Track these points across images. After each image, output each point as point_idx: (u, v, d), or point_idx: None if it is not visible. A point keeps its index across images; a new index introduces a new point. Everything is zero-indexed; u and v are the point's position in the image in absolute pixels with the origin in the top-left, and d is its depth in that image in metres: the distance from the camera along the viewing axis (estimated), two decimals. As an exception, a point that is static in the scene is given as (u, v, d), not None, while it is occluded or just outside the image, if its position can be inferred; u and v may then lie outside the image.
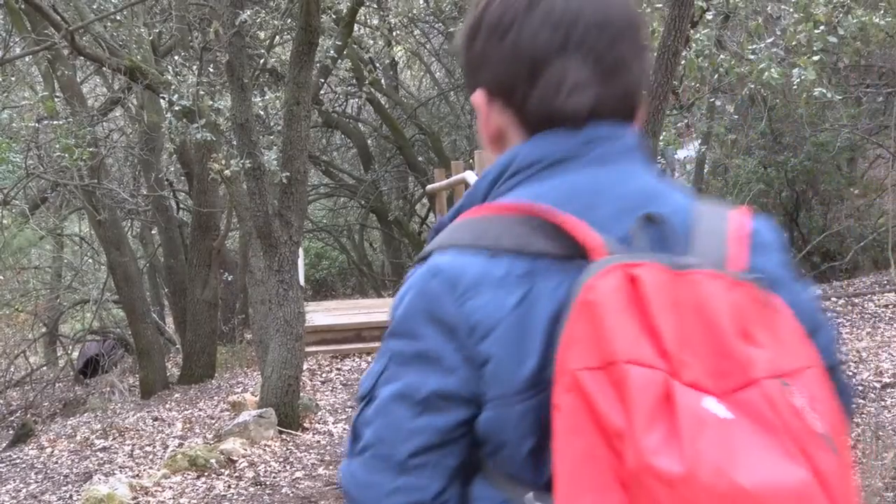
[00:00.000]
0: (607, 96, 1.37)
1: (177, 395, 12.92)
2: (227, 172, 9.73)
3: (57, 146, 12.33)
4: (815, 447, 1.17)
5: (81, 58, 12.68)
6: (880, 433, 5.97)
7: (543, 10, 1.35)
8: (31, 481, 9.06)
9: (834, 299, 11.79)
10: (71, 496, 8.25)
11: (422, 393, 1.30)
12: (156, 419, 11.04)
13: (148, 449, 9.57)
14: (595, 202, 1.34)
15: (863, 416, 6.70)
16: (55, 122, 12.50)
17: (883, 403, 6.94)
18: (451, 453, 1.32)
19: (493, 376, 1.28)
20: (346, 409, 9.81)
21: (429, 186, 15.13)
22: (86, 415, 12.79)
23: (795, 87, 9.30)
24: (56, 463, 9.60)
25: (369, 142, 20.38)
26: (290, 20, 11.69)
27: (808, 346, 1.27)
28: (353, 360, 12.19)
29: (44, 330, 18.76)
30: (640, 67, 1.42)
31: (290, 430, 8.99)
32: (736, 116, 12.54)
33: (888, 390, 7.27)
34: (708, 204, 1.40)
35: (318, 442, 8.84)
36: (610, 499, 1.16)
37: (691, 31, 8.99)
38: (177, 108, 10.34)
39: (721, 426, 1.15)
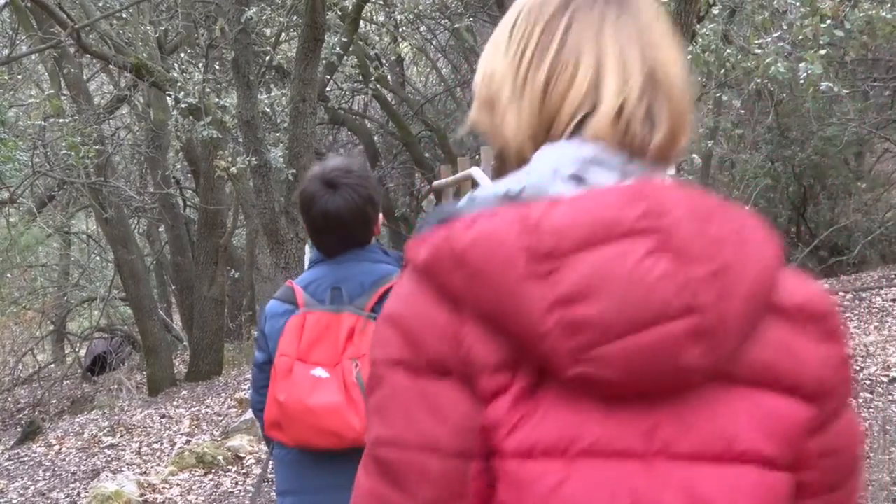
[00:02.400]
0: (345, 240, 3.05)
1: (184, 393, 12.95)
2: (233, 169, 9.74)
3: (63, 144, 12.36)
4: (354, 388, 2.83)
5: (87, 56, 12.71)
6: (888, 427, 5.95)
7: (317, 207, 3.03)
8: (39, 479, 9.08)
9: (841, 293, 11.77)
10: (79, 493, 8.27)
11: (258, 361, 3.11)
12: (163, 416, 11.06)
13: (155, 446, 9.59)
14: (322, 281, 3.03)
15: (870, 410, 6.68)
16: (61, 121, 12.52)
17: (890, 398, 6.93)
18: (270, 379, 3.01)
19: (274, 352, 2.97)
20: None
21: (435, 183, 15.11)
22: (93, 412, 12.82)
23: (802, 81, 9.26)
24: (64, 460, 9.62)
25: (375, 138, 20.38)
26: (295, 17, 11.70)
27: None
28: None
29: (51, 328, 18.81)
30: (362, 222, 3.08)
31: (297, 427, 9.00)
32: (742, 111, 12.52)
33: (896, 385, 7.26)
34: (389, 272, 3.05)
35: (326, 438, 8.84)
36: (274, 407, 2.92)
37: (697, 26, 8.97)
38: (183, 106, 10.35)
39: (315, 380, 2.86)
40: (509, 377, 1.20)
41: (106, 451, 9.70)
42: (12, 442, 11.42)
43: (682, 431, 1.19)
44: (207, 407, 11.28)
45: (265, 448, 8.95)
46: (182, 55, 14.21)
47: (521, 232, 1.18)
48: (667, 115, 1.30)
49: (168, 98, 12.41)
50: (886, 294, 11.37)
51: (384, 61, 17.48)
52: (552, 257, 1.16)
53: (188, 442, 9.41)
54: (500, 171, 1.36)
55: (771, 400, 1.21)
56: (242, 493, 7.48)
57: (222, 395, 11.92)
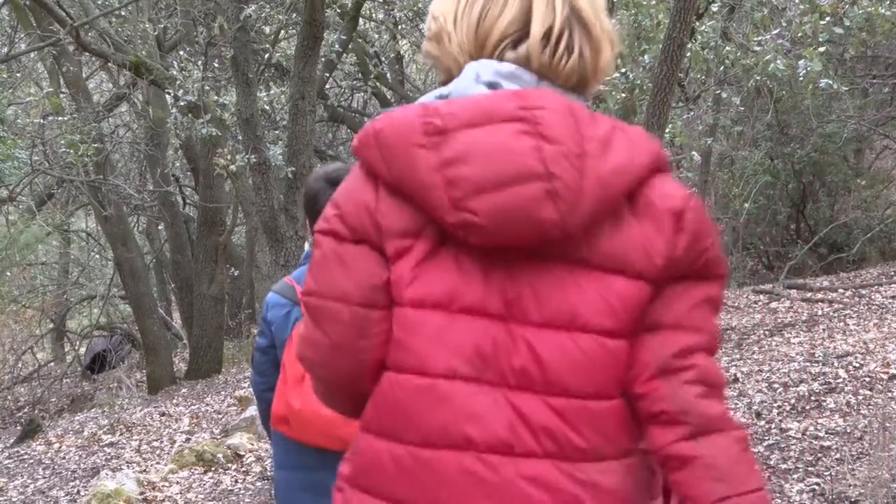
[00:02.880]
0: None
1: (184, 391, 12.95)
2: (232, 167, 9.73)
3: (62, 142, 12.35)
4: None
5: (86, 54, 12.69)
6: (887, 424, 5.95)
7: (321, 202, 3.07)
8: (39, 477, 9.08)
9: (841, 290, 11.77)
10: (78, 491, 8.27)
11: (261, 346, 3.38)
12: (163, 414, 11.06)
13: (155, 444, 9.59)
14: None
15: (870, 407, 6.69)
16: (61, 119, 12.52)
17: (890, 395, 6.92)
18: (271, 361, 3.34)
19: (276, 338, 3.30)
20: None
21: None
22: (93, 410, 12.81)
23: (801, 78, 9.27)
24: (63, 459, 9.62)
25: (375, 136, 20.38)
26: (294, 15, 11.69)
27: None
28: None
29: (51, 326, 18.79)
30: None
31: (297, 425, 8.99)
32: (742, 108, 12.50)
33: (895, 382, 7.25)
34: None
35: (325, 436, 8.82)
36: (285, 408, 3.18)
37: (696, 23, 8.97)
38: (182, 104, 10.35)
39: None
40: (411, 242, 1.58)
41: (106, 449, 9.70)
42: (12, 440, 11.42)
43: (536, 304, 1.56)
44: (207, 405, 11.28)
45: (265, 446, 9.00)
46: (181, 53, 14.18)
47: (421, 116, 1.56)
48: (585, 47, 1.63)
49: (167, 96, 12.41)
50: (886, 291, 11.37)
51: (383, 59, 17.47)
52: (442, 132, 1.53)
53: (188, 440, 9.41)
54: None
55: (618, 283, 1.56)
56: (242, 491, 7.48)
57: (222, 393, 11.92)
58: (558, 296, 1.56)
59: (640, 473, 1.63)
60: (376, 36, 16.72)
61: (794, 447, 6.08)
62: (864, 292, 11.49)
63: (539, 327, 1.56)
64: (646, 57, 9.85)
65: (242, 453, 8.32)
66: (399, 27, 15.58)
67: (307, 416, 3.09)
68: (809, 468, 5.71)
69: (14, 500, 8.41)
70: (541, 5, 1.61)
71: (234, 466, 8.09)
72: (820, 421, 6.56)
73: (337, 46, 11.53)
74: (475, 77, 1.60)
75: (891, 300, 10.84)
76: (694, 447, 1.56)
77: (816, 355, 8.41)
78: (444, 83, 1.68)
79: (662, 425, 1.58)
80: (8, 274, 18.04)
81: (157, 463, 8.74)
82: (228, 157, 9.75)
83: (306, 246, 3.65)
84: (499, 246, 1.54)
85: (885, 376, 7.39)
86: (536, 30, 1.60)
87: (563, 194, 1.50)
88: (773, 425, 6.58)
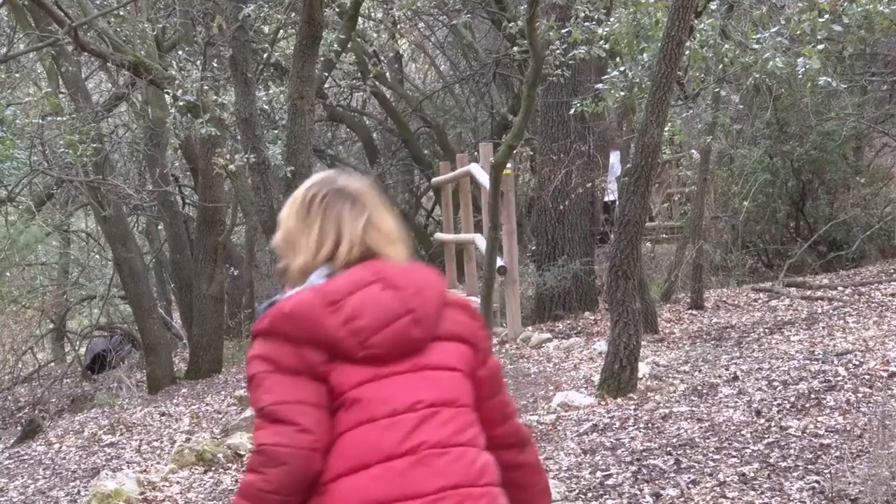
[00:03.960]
0: None
1: (184, 391, 12.95)
2: (231, 167, 9.74)
3: (61, 142, 12.34)
4: None
5: (85, 54, 12.69)
6: (887, 422, 5.95)
7: None
8: (39, 477, 9.08)
9: (841, 288, 11.77)
10: (79, 492, 8.26)
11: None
12: (163, 414, 11.07)
13: (155, 444, 9.59)
14: None
15: (869, 405, 6.69)
16: (60, 119, 12.51)
17: (890, 393, 6.92)
18: None
19: None
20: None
21: (434, 179, 15.13)
22: (93, 410, 12.81)
23: (800, 76, 9.27)
24: (64, 459, 9.62)
25: (374, 135, 20.35)
26: (293, 14, 11.69)
27: None
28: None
29: (51, 326, 18.79)
30: None
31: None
32: (741, 106, 12.49)
33: (895, 379, 7.25)
34: None
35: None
36: None
37: (695, 21, 8.97)
38: (181, 104, 10.35)
39: None
40: (332, 365, 2.35)
41: (106, 449, 9.70)
42: (12, 440, 11.42)
43: (426, 359, 2.42)
44: (207, 405, 11.29)
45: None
46: (180, 53, 14.20)
47: (316, 294, 2.38)
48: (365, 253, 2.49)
49: (166, 96, 12.41)
50: (885, 289, 11.37)
51: (382, 58, 17.48)
52: (335, 301, 2.37)
53: (188, 440, 9.41)
54: (285, 279, 2.56)
55: (459, 346, 2.49)
56: (242, 491, 7.47)
57: (222, 392, 11.92)
58: (435, 355, 2.45)
59: None
60: (375, 35, 16.72)
61: (793, 445, 6.08)
62: (863, 290, 11.49)
63: (433, 370, 2.43)
64: (644, 55, 9.85)
65: (243, 453, 8.31)
66: (398, 26, 15.59)
67: None
68: (809, 466, 5.71)
69: (14, 500, 8.41)
70: (347, 236, 2.48)
71: (234, 466, 8.09)
72: (820, 419, 6.56)
73: (336, 45, 11.53)
74: (318, 278, 2.44)
75: (890, 298, 10.84)
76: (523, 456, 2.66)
77: (816, 353, 8.41)
78: (284, 273, 2.55)
79: (507, 447, 2.59)
80: (8, 274, 18.03)
81: (158, 463, 8.74)
82: (227, 156, 9.76)
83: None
84: (391, 359, 2.39)
85: (884, 374, 7.39)
86: (342, 255, 2.47)
87: (421, 318, 2.41)
88: (772, 423, 6.58)
